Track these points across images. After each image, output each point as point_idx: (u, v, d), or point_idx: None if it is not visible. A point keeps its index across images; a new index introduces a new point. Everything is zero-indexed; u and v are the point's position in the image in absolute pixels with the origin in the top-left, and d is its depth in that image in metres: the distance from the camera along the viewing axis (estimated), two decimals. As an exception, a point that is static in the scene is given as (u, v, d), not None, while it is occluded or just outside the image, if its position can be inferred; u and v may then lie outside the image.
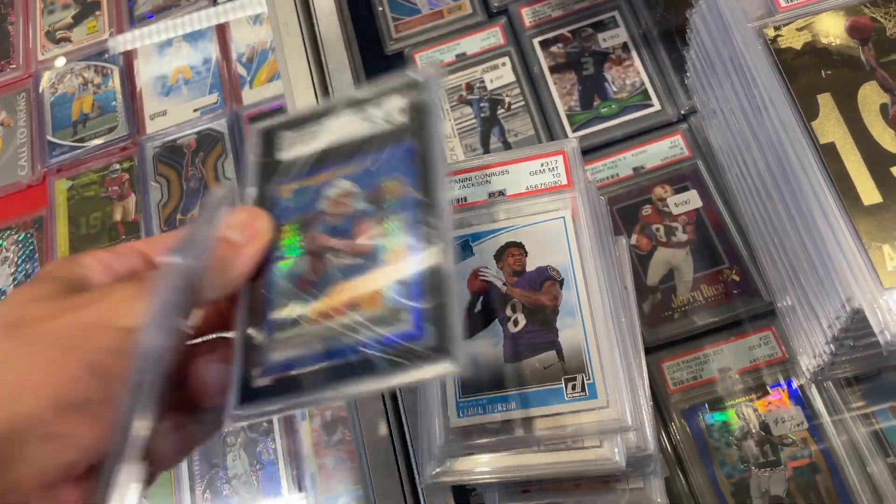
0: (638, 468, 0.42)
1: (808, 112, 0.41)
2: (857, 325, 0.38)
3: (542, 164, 0.42)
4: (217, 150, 0.73)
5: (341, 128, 0.42)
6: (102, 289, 0.31)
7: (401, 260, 0.31)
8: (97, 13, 0.84)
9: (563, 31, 0.70)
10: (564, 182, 0.42)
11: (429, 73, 0.41)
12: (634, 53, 0.67)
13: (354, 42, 0.69)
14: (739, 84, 0.45)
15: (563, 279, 0.40)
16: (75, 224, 0.73)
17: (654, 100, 0.65)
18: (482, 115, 0.68)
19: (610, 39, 0.68)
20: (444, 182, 0.35)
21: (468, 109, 0.68)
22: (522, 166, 0.43)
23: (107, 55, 0.82)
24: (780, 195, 0.43)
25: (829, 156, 0.40)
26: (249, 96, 0.75)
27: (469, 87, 0.69)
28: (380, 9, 0.75)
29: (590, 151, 0.65)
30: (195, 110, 0.76)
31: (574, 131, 0.66)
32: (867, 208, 0.38)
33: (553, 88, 0.68)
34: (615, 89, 0.66)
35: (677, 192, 0.61)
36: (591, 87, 0.67)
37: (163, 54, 0.80)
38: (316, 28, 0.65)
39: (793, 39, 0.42)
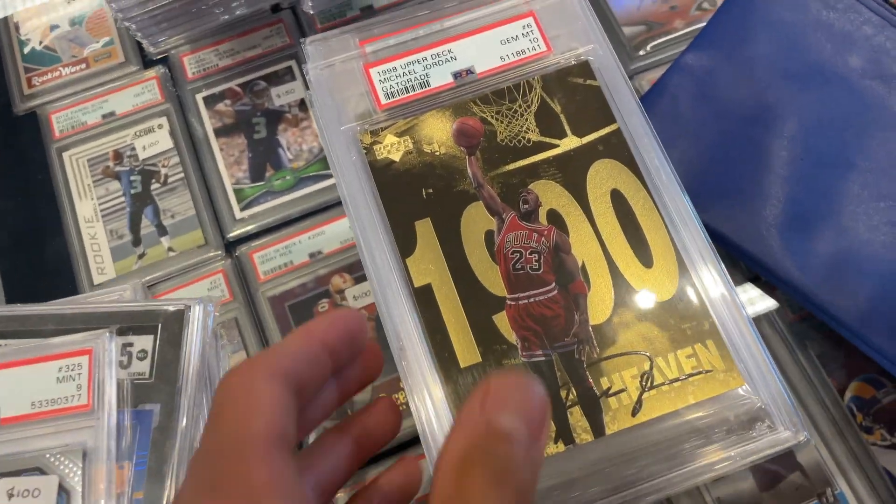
0: None
1: (403, 245, 0.32)
2: None
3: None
4: None
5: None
6: None
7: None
8: None
9: (233, 84, 0.59)
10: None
11: (188, 303, 0.34)
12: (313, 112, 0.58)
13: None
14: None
15: None
16: None
17: (334, 169, 0.56)
18: (132, 191, 0.56)
19: (285, 95, 0.58)
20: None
21: (116, 185, 0.56)
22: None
23: None
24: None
25: (424, 303, 0.31)
26: None
27: (117, 155, 0.57)
28: (9, 55, 0.60)
29: (261, 234, 0.55)
30: None
31: (243, 209, 0.55)
32: (465, 371, 0.31)
33: (219, 156, 0.57)
34: (291, 156, 0.57)
35: (357, 281, 0.53)
36: (264, 154, 0.57)
37: None
38: None
39: (392, 148, 0.34)
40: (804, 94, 0.45)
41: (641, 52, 0.57)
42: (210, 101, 0.58)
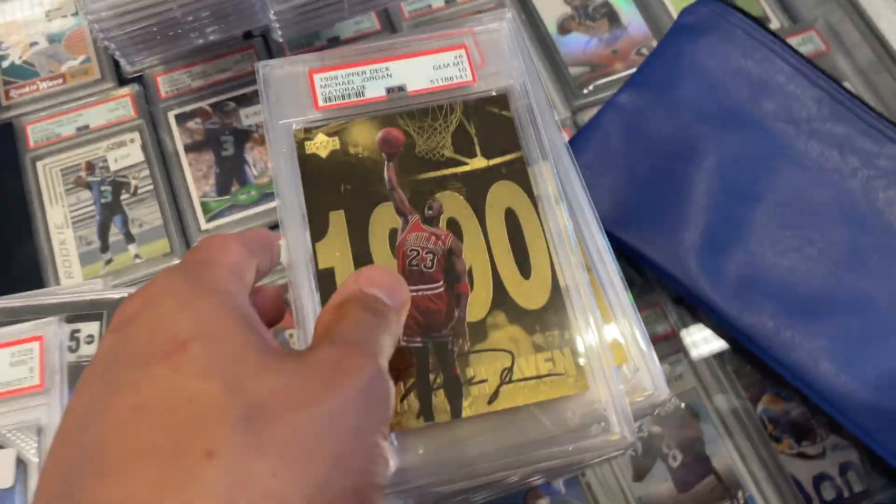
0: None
1: (316, 230, 0.37)
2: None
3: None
4: None
5: None
6: (337, 363, 0.24)
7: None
8: None
9: (203, 104, 0.62)
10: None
11: (132, 291, 0.31)
12: (279, 133, 0.61)
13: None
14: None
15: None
16: None
17: (297, 186, 0.59)
18: (102, 200, 0.59)
19: (253, 116, 0.62)
20: None
21: (87, 194, 0.59)
22: None
23: None
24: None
25: (324, 283, 0.36)
26: None
27: (90, 167, 0.60)
28: (-13, 68, 0.63)
29: (224, 244, 0.58)
30: None
31: (208, 221, 0.58)
32: None
33: (188, 171, 0.60)
34: (256, 173, 0.60)
35: (314, 291, 0.56)
36: (231, 170, 0.60)
37: None
38: None
39: (321, 146, 0.39)
40: (723, 133, 0.50)
41: (585, 91, 0.62)
42: (181, 119, 0.61)
